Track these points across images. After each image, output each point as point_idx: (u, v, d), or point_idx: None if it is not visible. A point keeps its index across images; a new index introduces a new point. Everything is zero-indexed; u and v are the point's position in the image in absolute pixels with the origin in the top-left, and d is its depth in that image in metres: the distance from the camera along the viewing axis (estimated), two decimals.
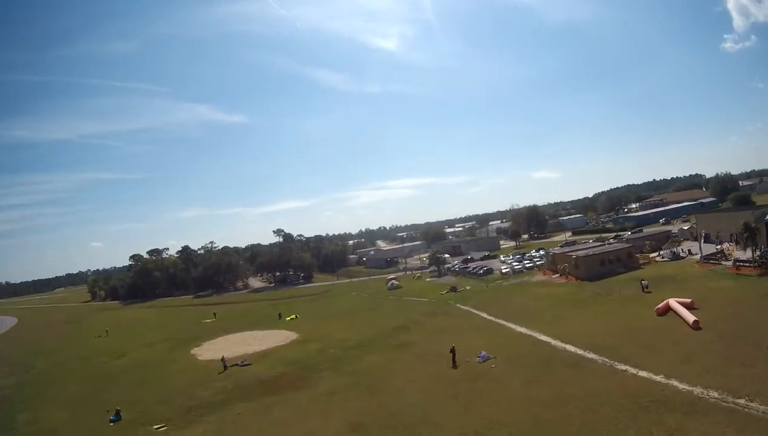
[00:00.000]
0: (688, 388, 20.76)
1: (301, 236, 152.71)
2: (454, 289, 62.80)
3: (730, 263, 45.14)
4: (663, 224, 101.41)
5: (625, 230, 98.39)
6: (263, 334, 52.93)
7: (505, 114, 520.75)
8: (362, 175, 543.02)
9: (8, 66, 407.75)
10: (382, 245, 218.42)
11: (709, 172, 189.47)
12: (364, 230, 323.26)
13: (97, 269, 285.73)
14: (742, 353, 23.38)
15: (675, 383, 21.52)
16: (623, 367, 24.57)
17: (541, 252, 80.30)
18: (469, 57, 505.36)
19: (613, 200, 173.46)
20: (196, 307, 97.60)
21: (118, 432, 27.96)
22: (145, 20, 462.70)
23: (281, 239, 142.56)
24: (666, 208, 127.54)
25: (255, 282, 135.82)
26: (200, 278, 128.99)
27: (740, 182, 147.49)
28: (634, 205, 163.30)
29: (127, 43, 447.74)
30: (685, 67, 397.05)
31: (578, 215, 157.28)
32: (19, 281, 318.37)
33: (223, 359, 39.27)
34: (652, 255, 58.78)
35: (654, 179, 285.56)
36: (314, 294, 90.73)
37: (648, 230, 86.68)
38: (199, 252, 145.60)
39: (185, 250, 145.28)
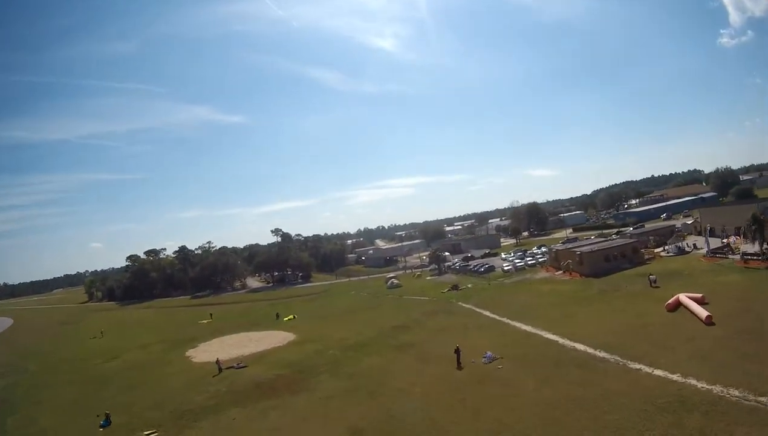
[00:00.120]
0: (706, 387, 19.66)
1: (299, 235, 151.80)
2: (455, 287, 61.73)
3: (737, 257, 44.27)
4: (665, 220, 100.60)
5: (626, 225, 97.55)
6: (260, 335, 51.73)
7: (502, 112, 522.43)
8: (360, 175, 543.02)
9: (7, 67, 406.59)
10: (380, 243, 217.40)
11: (707, 168, 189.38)
12: (362, 229, 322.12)
13: (96, 270, 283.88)
14: (758, 349, 22.29)
15: (692, 381, 20.41)
16: (636, 366, 23.42)
17: (543, 249, 79.19)
18: (466, 56, 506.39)
19: (613, 196, 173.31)
20: (192, 307, 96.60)
21: None
22: (143, 21, 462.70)
23: (279, 239, 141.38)
24: (667, 203, 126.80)
25: (253, 282, 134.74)
26: (197, 278, 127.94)
27: (740, 177, 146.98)
28: (634, 201, 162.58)
29: (126, 44, 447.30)
30: (682, 62, 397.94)
31: (578, 212, 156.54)
32: (17, 282, 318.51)
33: (217, 362, 37.98)
34: (656, 250, 57.75)
35: (653, 175, 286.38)
36: (313, 294, 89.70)
37: (650, 226, 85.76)
38: (196, 252, 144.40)
39: (182, 250, 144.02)
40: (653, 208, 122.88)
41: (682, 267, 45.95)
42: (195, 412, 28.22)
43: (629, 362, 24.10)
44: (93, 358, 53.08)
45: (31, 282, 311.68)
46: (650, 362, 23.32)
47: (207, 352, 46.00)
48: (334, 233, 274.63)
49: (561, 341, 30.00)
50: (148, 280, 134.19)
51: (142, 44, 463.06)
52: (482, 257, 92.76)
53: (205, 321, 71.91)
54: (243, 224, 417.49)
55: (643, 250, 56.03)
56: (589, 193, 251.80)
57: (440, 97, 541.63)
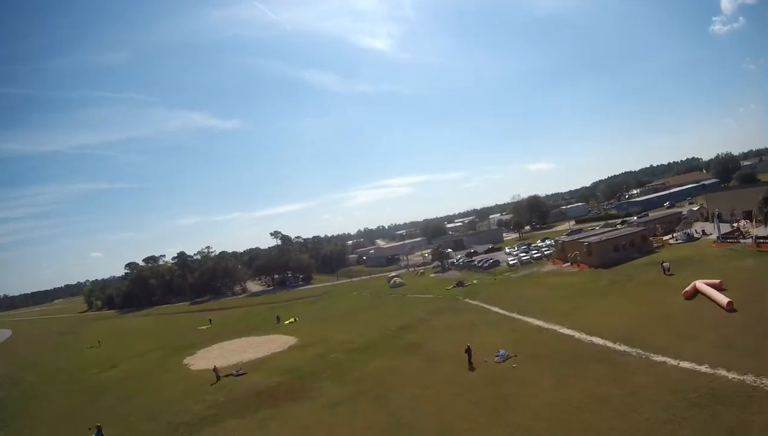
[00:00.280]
0: (738, 377, 18.28)
1: (299, 237, 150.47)
2: (460, 283, 60.30)
3: (749, 241, 43.20)
4: (668, 207, 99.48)
5: (630, 215, 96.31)
6: (260, 339, 50.14)
7: (496, 108, 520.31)
8: (358, 176, 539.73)
9: None
10: (381, 243, 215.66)
11: (705, 156, 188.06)
12: (363, 229, 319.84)
13: (96, 279, 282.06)
14: None
15: (722, 372, 19.00)
16: (661, 358, 21.92)
17: (548, 242, 77.82)
18: (458, 53, 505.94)
19: (614, 187, 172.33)
20: (192, 313, 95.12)
21: None
22: (135, 29, 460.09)
23: (279, 241, 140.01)
24: (669, 191, 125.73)
25: (253, 286, 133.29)
26: (197, 283, 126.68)
27: (741, 163, 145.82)
28: (635, 191, 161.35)
29: (118, 53, 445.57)
30: (675, 51, 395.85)
31: (580, 204, 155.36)
32: (18, 294, 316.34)
33: (215, 369, 36.29)
34: (665, 238, 56.34)
35: (651, 165, 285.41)
36: (314, 296, 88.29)
37: (655, 214, 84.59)
38: (195, 258, 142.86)
39: (181, 256, 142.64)
40: (656, 196, 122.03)
41: (693, 254, 44.65)
42: (191, 424, 26.57)
43: (652, 354, 22.61)
44: (90, 368, 51.54)
45: (32, 293, 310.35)
46: (674, 354, 21.88)
47: (206, 359, 44.37)
48: (334, 234, 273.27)
49: (577, 335, 28.41)
50: (147, 287, 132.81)
51: (134, 53, 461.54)
52: (486, 252, 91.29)
53: (204, 327, 70.42)
54: (242, 228, 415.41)
55: (651, 238, 54.61)
56: (588, 185, 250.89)
57: (434, 95, 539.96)
